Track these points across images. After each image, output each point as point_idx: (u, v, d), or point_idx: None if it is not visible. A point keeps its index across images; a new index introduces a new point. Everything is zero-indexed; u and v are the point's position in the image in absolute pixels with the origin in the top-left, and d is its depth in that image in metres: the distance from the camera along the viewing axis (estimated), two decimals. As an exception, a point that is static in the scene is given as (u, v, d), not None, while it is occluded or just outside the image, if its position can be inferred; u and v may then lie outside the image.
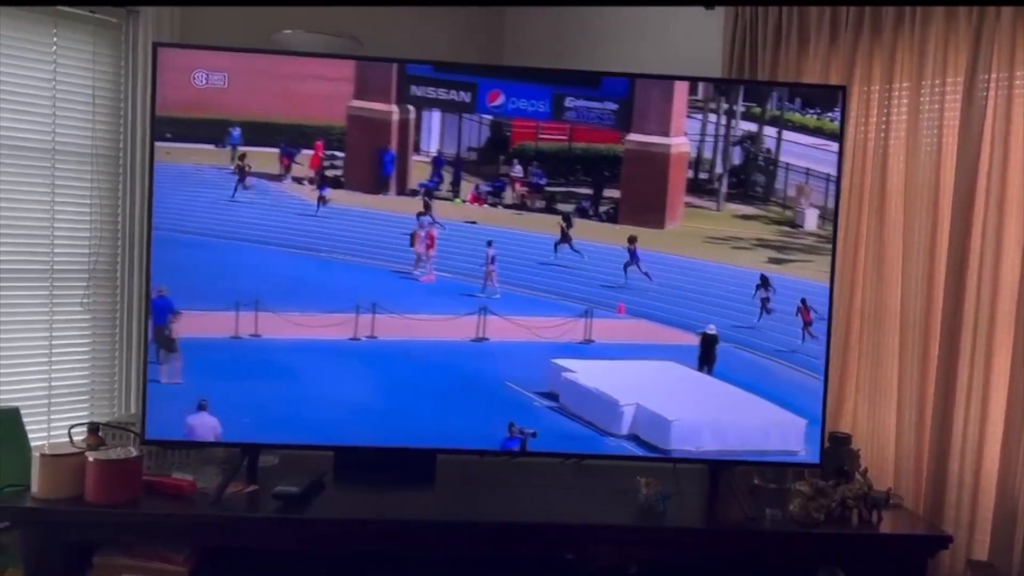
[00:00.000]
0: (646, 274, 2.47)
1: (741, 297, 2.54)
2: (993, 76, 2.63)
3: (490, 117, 2.34)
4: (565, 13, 3.73)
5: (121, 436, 2.63)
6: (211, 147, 2.15)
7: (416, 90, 2.26)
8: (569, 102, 2.39)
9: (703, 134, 2.51)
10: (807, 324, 2.57)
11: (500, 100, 2.30)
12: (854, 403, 3.01)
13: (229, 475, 2.51)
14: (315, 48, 2.79)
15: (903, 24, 2.82)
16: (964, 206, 2.70)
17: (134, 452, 2.44)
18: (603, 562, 2.52)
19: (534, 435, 2.44)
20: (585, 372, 2.49)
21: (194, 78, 2.15)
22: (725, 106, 2.54)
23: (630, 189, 2.50)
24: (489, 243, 2.34)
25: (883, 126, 2.89)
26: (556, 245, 2.45)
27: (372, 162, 2.26)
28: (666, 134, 2.47)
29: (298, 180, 2.22)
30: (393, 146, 2.28)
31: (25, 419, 2.57)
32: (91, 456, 2.36)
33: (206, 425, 2.33)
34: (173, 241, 2.13)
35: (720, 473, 2.71)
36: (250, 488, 2.54)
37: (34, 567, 2.34)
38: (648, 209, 2.50)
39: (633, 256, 2.46)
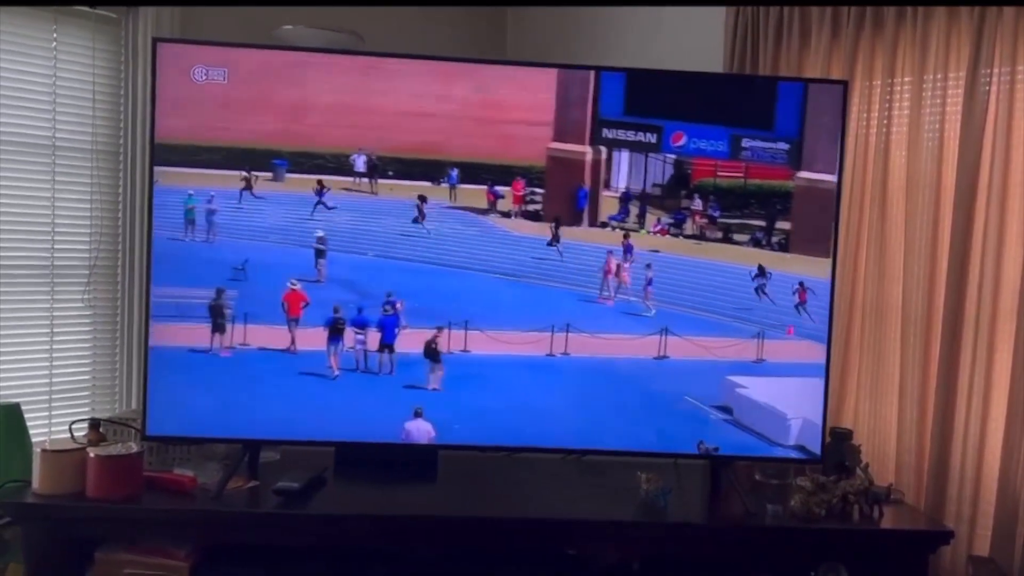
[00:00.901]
0: (647, 266, 2.61)
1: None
2: (995, 71, 2.62)
3: (673, 156, 2.56)
4: (568, 9, 3.72)
5: (122, 432, 2.63)
6: (427, 184, 2.44)
7: (608, 132, 2.50)
8: (746, 143, 2.59)
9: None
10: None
11: (683, 141, 2.52)
12: (855, 398, 3.00)
13: (230, 471, 2.51)
14: (316, 44, 2.80)
15: (905, 19, 2.82)
16: (966, 201, 2.69)
17: (135, 448, 2.44)
18: (605, 558, 2.52)
19: (717, 450, 2.64)
20: (756, 388, 2.65)
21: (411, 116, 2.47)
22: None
23: (800, 222, 2.68)
24: (648, 266, 2.56)
25: (885, 121, 2.89)
26: (548, 244, 2.59)
27: (568, 197, 2.50)
28: (833, 172, 2.66)
29: (504, 214, 2.50)
30: (587, 183, 2.51)
31: (26, 415, 2.58)
32: (92, 452, 2.36)
33: (421, 430, 2.53)
34: (403, 268, 2.48)
35: (721, 469, 2.71)
36: (251, 484, 2.55)
37: (36, 563, 2.34)
38: (816, 240, 2.67)
39: (627, 250, 2.59)
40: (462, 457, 2.82)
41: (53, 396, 2.85)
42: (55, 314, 2.84)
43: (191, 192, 2.42)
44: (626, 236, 2.58)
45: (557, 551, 2.50)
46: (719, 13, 3.21)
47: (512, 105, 2.46)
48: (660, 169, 2.52)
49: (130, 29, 2.90)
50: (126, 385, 2.99)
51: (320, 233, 2.44)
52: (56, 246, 2.83)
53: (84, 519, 2.35)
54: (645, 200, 2.55)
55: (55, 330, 2.84)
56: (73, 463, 2.36)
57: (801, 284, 2.64)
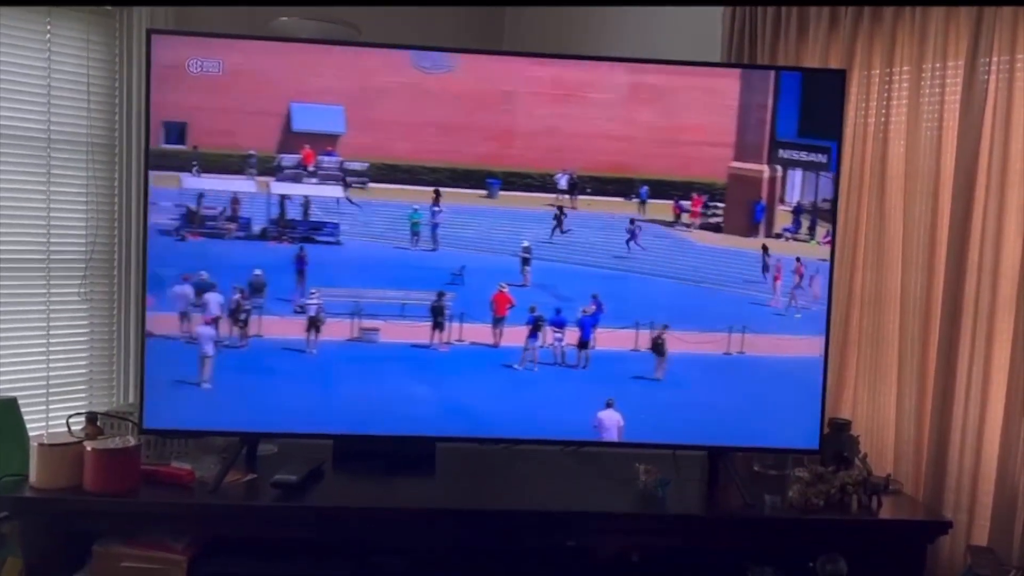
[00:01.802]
0: (641, 247, 2.76)
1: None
2: (994, 59, 2.61)
3: None
4: (565, 8, 3.69)
5: (119, 425, 2.63)
6: (620, 199, 2.71)
7: (783, 153, 2.72)
8: None
9: None
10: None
11: None
12: (854, 389, 3.00)
13: (228, 464, 2.50)
14: (313, 35, 2.79)
15: (903, 8, 2.80)
16: (965, 190, 2.68)
17: (132, 441, 2.44)
18: (604, 549, 2.53)
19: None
20: None
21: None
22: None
23: None
24: (796, 271, 2.74)
25: (883, 110, 2.88)
26: (553, 230, 2.72)
27: (746, 211, 2.74)
28: None
29: (685, 226, 2.75)
30: (763, 198, 2.73)
31: (23, 409, 2.56)
32: (89, 446, 2.36)
33: (612, 419, 2.70)
34: (596, 275, 2.73)
35: (719, 460, 2.71)
36: (249, 477, 2.55)
37: (33, 557, 2.34)
38: None
39: (633, 235, 2.73)
40: (460, 449, 2.82)
41: (50, 390, 2.84)
42: (51, 307, 2.83)
43: (416, 207, 2.67)
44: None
45: (556, 543, 2.50)
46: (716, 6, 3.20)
47: (696, 128, 2.71)
48: (829, 185, 2.71)
49: (124, 21, 2.89)
50: (123, 378, 2.98)
51: (526, 243, 2.71)
52: (52, 239, 2.82)
53: (82, 513, 2.34)
54: (815, 214, 2.74)
55: (51, 323, 2.84)
56: (70, 457, 2.36)
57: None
